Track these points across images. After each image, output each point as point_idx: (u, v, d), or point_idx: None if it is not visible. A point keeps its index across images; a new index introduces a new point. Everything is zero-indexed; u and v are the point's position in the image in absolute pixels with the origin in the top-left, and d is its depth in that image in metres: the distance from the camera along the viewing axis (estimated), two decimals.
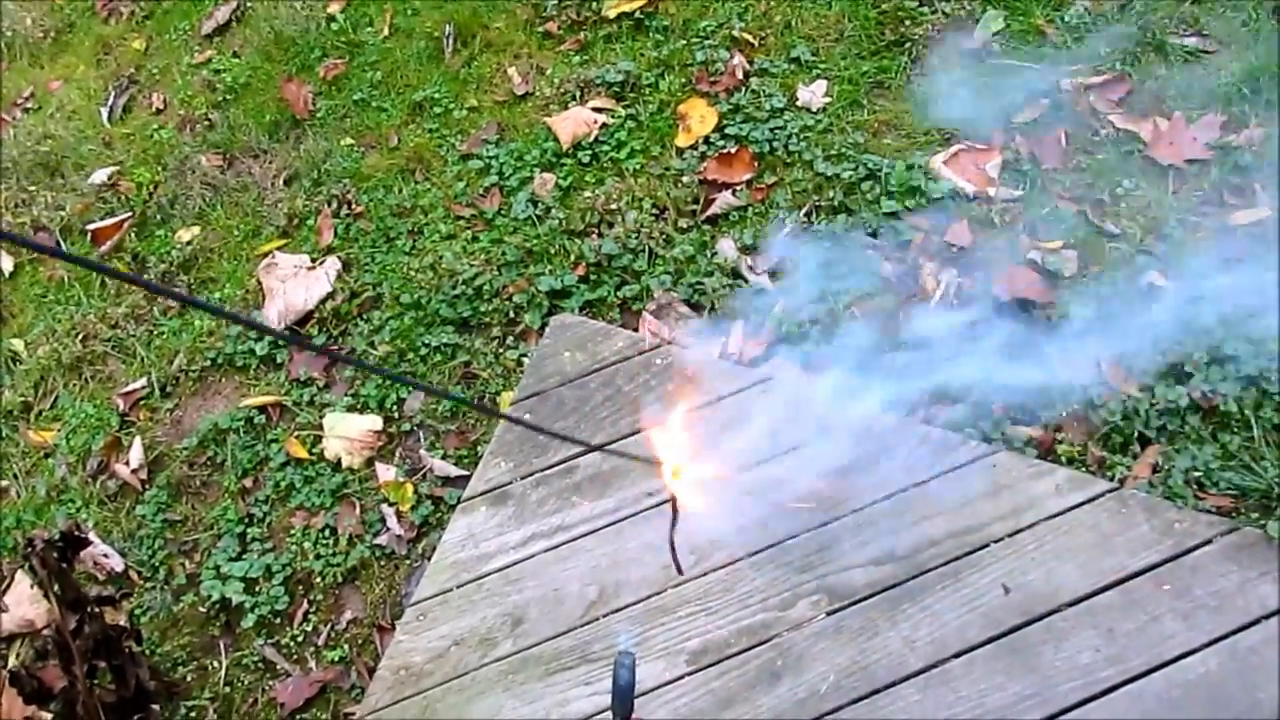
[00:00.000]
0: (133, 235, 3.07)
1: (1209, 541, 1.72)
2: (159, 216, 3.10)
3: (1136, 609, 1.66)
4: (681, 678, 1.68)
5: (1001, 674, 1.63)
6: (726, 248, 2.46)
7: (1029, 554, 1.74)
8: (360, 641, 2.18)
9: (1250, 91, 2.47)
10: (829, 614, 1.70)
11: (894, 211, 2.43)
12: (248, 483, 2.45)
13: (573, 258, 2.54)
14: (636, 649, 1.70)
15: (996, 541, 1.75)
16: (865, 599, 1.72)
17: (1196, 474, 1.92)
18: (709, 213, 2.56)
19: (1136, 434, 1.99)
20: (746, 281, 2.39)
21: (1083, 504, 1.79)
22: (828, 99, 2.70)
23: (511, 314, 2.50)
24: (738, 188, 2.59)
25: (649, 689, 1.67)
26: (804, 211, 2.49)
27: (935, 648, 1.66)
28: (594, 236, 2.58)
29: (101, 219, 3.13)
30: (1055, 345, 2.13)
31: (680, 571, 1.69)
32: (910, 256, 2.37)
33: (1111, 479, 1.89)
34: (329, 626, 2.22)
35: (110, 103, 3.50)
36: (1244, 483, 1.90)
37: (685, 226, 2.55)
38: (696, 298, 2.40)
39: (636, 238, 2.52)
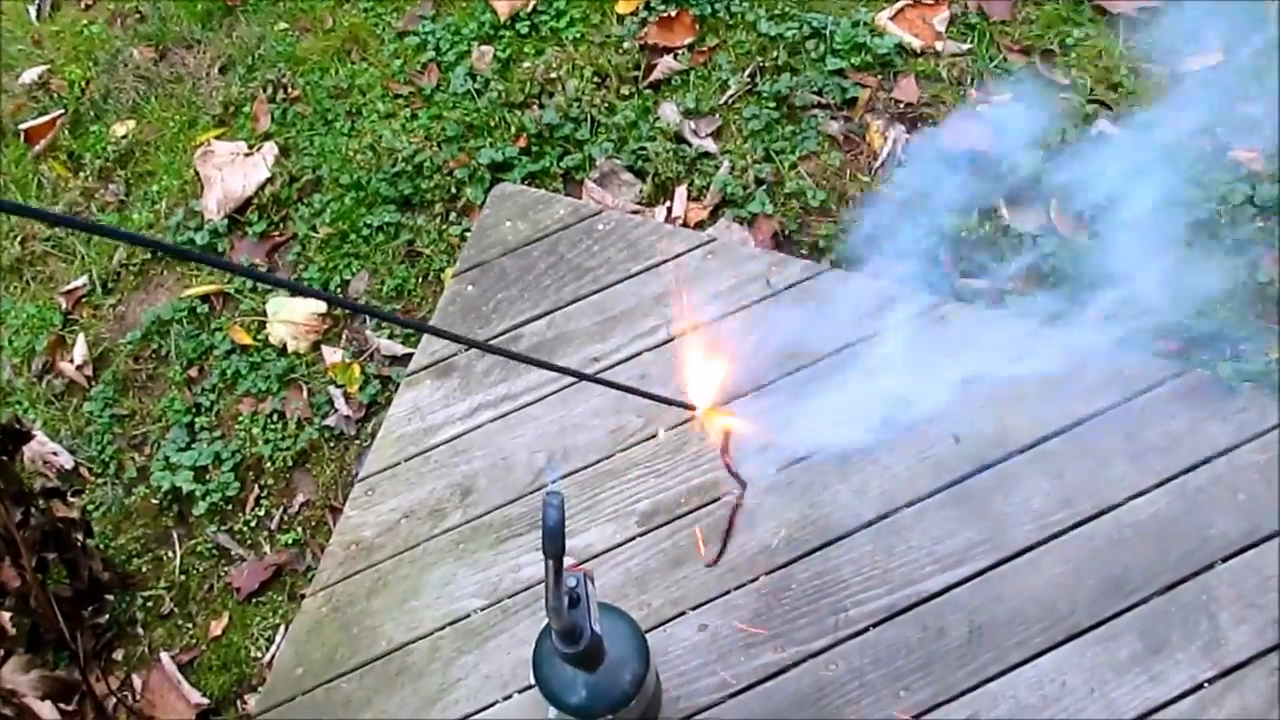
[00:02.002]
0: (66, 133, 2.98)
1: (1159, 384, 1.70)
2: (92, 113, 3.01)
3: (1086, 453, 1.65)
4: (632, 539, 1.66)
5: (953, 521, 1.62)
6: (669, 113, 2.41)
7: (979, 403, 1.71)
8: (313, 523, 2.17)
9: None
10: (779, 470, 1.69)
11: (839, 69, 2.38)
12: (193, 373, 2.41)
13: (513, 130, 2.49)
14: (587, 512, 1.69)
15: (947, 392, 1.73)
16: (816, 453, 1.70)
17: (1147, 319, 1.91)
18: (651, 78, 2.50)
19: (1087, 280, 1.97)
20: (690, 145, 2.35)
21: (1031, 353, 1.76)
22: None
23: (453, 190, 2.46)
24: (679, 52, 2.53)
25: (599, 552, 1.65)
26: (747, 73, 2.44)
27: (886, 499, 1.65)
28: (534, 108, 2.53)
29: (34, 118, 3.04)
30: (1003, 196, 2.10)
31: (741, 483, 1.64)
32: (857, 113, 2.33)
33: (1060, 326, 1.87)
34: (281, 510, 2.21)
35: (38, 1, 3.38)
36: (1194, 325, 1.89)
37: (627, 93, 2.50)
38: (640, 164, 2.36)
39: (578, 107, 2.47)
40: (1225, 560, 1.54)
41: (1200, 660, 1.47)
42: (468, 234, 2.31)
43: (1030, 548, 1.59)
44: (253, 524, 2.20)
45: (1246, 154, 2.10)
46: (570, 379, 1.82)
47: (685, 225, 2.21)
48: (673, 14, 2.58)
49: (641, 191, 2.33)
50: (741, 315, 1.82)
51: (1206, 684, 1.46)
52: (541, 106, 2.52)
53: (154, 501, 2.26)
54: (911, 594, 1.57)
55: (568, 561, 1.04)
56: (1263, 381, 1.70)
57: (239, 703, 2.05)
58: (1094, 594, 1.54)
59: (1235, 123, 2.14)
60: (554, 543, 1.00)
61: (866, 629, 1.55)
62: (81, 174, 2.87)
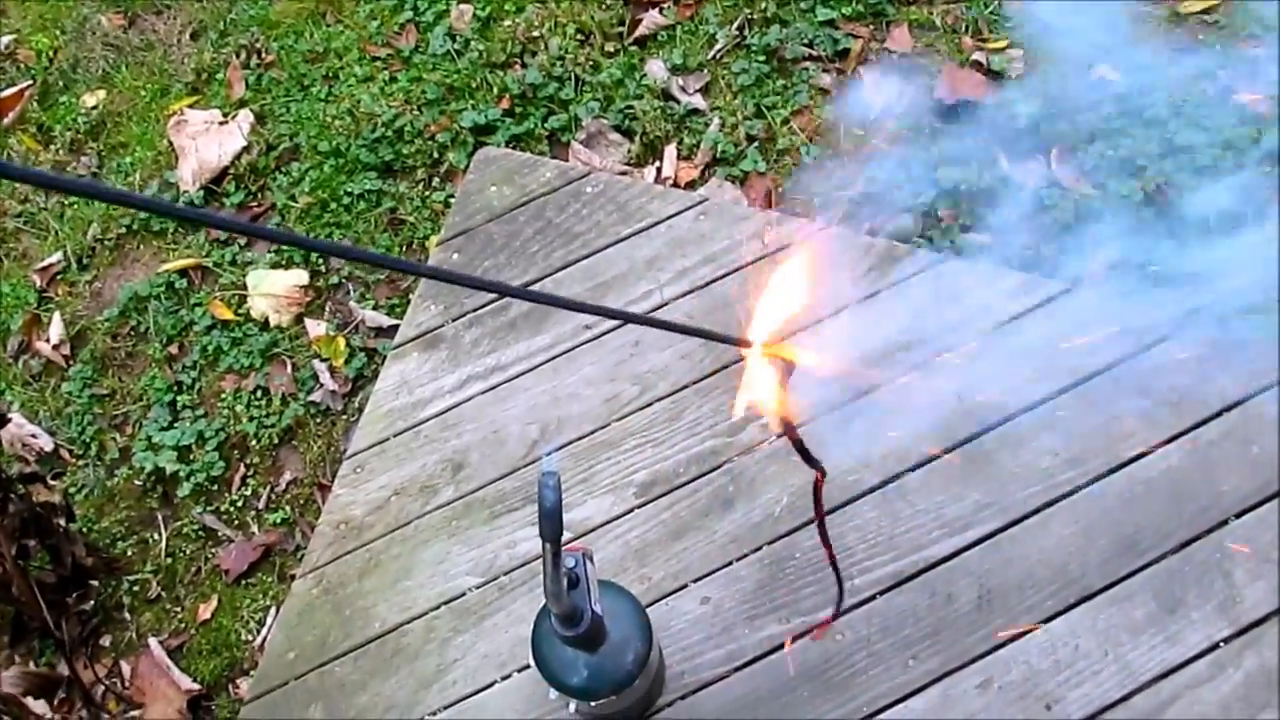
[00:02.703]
0: (35, 104, 2.91)
1: (1167, 337, 1.66)
2: (61, 83, 2.94)
3: (1095, 410, 1.61)
4: (631, 511, 1.62)
5: (958, 484, 1.58)
6: (656, 69, 2.35)
7: (983, 362, 1.67)
8: (302, 502, 2.13)
9: None
10: (779, 436, 1.64)
11: (830, 20, 2.32)
12: (173, 349, 2.36)
13: (496, 91, 2.43)
14: (583, 485, 1.64)
15: (949, 351, 1.68)
16: (815, 418, 1.65)
17: (1154, 270, 1.87)
18: (636, 34, 2.44)
19: (1089, 232, 1.93)
20: (678, 103, 2.29)
21: (1036, 308, 1.72)
22: None
23: (435, 154, 2.40)
24: (665, 6, 2.47)
25: (597, 525, 1.61)
26: (735, 25, 2.37)
27: (890, 463, 1.60)
28: (517, 67, 2.46)
29: (2, 90, 2.96)
30: (1003, 147, 2.05)
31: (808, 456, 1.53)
32: (850, 65, 2.27)
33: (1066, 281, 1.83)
34: (268, 489, 2.16)
35: None
36: (1201, 277, 1.85)
37: (612, 50, 2.43)
38: (627, 123, 2.30)
39: (561, 65, 2.40)
40: (1239, 516, 1.50)
41: (1216, 619, 1.44)
42: (451, 200, 2.26)
43: (1039, 509, 1.54)
44: (239, 504, 2.15)
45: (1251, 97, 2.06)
46: (562, 348, 1.77)
47: (676, 185, 2.16)
48: None
49: (630, 152, 2.27)
50: (736, 278, 1.77)
51: (1223, 643, 1.42)
52: (524, 66, 2.46)
53: (137, 483, 2.21)
54: (919, 560, 1.52)
55: (565, 538, 0.99)
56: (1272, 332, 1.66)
57: (230, 687, 2.00)
58: (1106, 554, 1.50)
59: (1240, 65, 2.09)
60: (552, 525, 0.95)
61: (873, 597, 1.50)
62: (52, 147, 2.80)
